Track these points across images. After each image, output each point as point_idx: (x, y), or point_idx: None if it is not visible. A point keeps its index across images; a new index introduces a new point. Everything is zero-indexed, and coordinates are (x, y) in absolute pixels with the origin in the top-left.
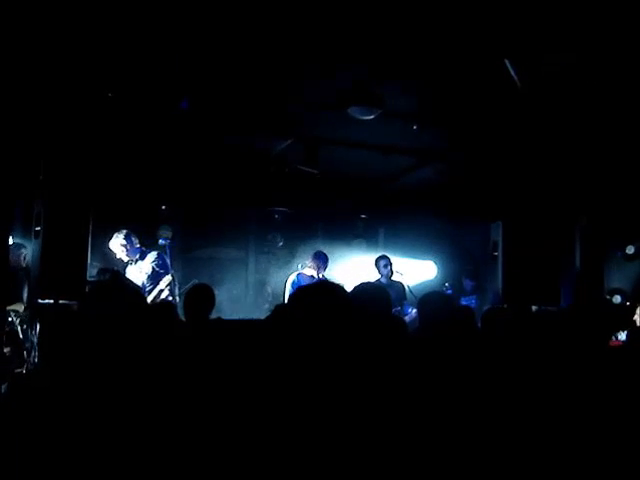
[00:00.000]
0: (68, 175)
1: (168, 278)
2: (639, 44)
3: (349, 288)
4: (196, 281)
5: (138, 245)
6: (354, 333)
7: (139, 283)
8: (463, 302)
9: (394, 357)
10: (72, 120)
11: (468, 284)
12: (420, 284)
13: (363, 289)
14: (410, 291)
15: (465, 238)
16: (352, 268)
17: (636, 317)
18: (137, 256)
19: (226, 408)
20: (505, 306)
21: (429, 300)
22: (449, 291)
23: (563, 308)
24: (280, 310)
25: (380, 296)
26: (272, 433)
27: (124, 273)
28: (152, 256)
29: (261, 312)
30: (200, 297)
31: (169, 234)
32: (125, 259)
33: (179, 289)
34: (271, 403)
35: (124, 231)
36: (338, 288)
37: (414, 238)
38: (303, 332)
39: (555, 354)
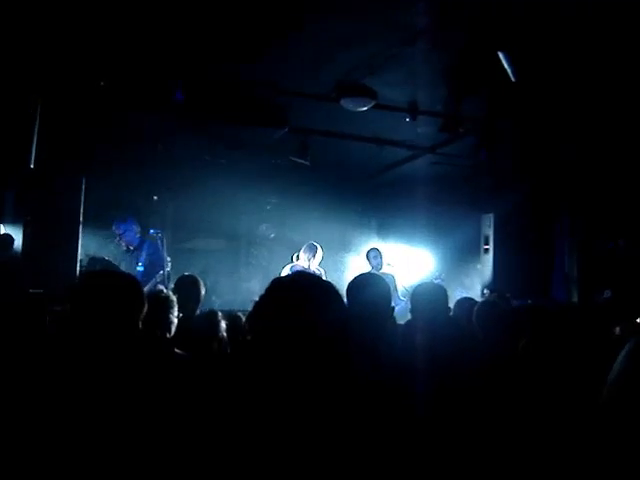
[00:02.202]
0: (59, 165)
1: (162, 273)
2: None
3: (338, 279)
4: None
5: (139, 234)
6: (328, 327)
7: (134, 272)
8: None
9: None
10: (64, 109)
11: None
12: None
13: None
14: (401, 287)
15: (457, 231)
16: (345, 259)
17: None
18: (135, 244)
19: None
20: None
21: (421, 291)
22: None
23: (556, 302)
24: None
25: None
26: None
27: (120, 261)
28: (148, 246)
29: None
30: (188, 288)
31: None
32: (124, 246)
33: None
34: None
35: (128, 217)
36: (315, 279)
37: (407, 229)
38: (273, 326)
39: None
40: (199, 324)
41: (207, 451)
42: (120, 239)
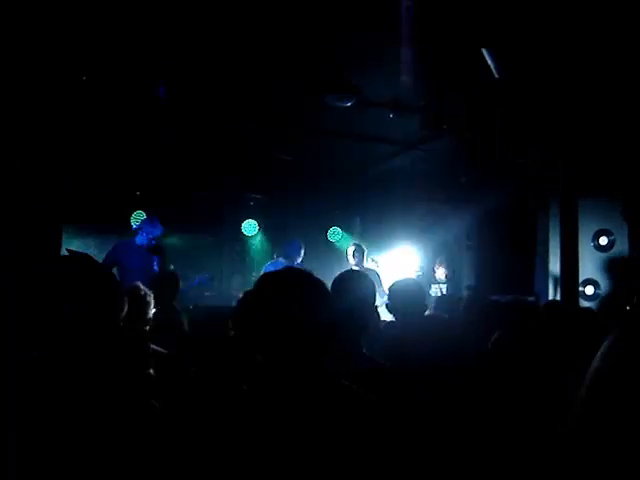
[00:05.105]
0: (42, 161)
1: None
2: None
3: (321, 276)
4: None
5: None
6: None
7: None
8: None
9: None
10: (46, 104)
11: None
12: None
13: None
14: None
15: (440, 226)
16: (328, 257)
17: None
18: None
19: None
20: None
21: (399, 286)
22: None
23: (539, 299)
24: (246, 296)
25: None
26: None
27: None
28: None
29: (234, 299)
30: (163, 284)
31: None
32: (152, 246)
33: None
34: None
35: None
36: (304, 274)
37: (391, 226)
38: (263, 316)
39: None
40: None
41: (195, 448)
42: (152, 238)
